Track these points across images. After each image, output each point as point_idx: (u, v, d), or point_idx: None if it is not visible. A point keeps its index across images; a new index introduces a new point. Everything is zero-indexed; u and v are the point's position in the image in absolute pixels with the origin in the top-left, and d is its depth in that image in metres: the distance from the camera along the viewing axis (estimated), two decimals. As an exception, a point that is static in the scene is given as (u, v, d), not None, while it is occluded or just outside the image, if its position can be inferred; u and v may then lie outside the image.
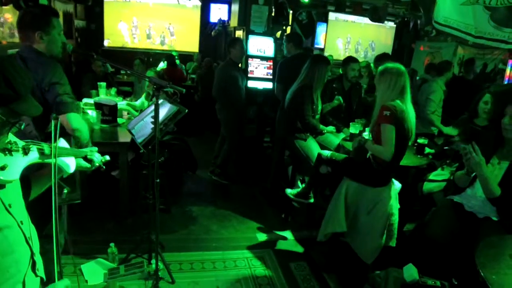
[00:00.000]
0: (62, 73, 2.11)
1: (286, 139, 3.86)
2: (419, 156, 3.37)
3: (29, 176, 1.37)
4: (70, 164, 1.44)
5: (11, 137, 1.17)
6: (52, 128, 1.22)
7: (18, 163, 1.14)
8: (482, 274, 1.63)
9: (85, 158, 1.55)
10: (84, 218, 3.54)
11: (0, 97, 1.07)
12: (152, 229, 2.75)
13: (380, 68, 2.74)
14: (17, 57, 2.08)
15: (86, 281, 2.72)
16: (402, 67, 2.69)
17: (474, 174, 2.35)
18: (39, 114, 1.18)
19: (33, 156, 1.20)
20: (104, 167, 1.64)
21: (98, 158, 1.60)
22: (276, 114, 4.36)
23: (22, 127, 1.16)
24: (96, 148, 1.62)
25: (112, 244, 2.94)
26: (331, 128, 3.98)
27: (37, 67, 2.02)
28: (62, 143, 1.46)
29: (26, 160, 1.17)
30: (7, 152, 1.12)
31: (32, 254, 1.23)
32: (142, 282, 2.74)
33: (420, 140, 3.38)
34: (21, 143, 1.17)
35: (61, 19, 6.65)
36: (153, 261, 2.66)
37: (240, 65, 4.81)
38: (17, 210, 1.21)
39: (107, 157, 1.66)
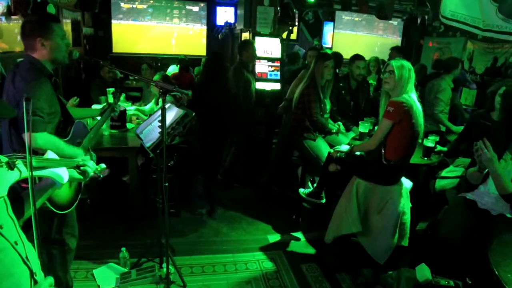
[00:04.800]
0: (40, 91, 2.02)
1: (295, 139, 3.84)
2: (426, 158, 3.27)
3: (21, 195, 1.32)
4: (63, 174, 1.37)
5: None
6: (26, 136, 1.16)
7: (4, 179, 1.08)
8: (496, 272, 1.60)
9: (79, 169, 1.49)
10: (95, 223, 3.57)
11: None
12: (162, 233, 2.76)
13: (397, 64, 2.69)
14: (12, 71, 2.06)
15: (98, 286, 2.73)
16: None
17: (486, 170, 2.31)
18: (13, 115, 1.14)
19: (22, 170, 1.13)
20: (101, 176, 1.59)
21: (92, 167, 1.53)
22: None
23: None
24: (88, 157, 1.57)
25: (123, 249, 2.96)
26: (339, 126, 3.94)
27: (19, 83, 1.99)
28: (50, 154, 1.40)
29: (14, 175, 1.11)
30: None
31: (32, 274, 1.17)
32: (154, 286, 2.75)
33: (427, 143, 3.25)
34: (4, 158, 1.10)
35: (69, 27, 6.69)
36: (164, 265, 2.67)
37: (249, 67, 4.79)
38: (9, 231, 1.14)
39: (103, 165, 1.62)
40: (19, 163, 1.12)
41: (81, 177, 1.49)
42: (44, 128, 2.02)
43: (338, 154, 2.97)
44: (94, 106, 4.34)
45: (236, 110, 4.48)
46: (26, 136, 1.69)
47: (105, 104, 2.80)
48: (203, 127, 4.15)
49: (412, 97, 2.63)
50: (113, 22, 8.85)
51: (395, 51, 5.38)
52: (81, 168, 1.49)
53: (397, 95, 2.65)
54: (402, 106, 2.56)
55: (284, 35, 6.77)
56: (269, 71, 5.45)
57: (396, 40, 10.25)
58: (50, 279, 1.17)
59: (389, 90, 2.76)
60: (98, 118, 2.59)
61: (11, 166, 1.10)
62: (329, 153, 3.13)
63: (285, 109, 4.37)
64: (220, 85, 4.31)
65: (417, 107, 2.64)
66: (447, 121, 4.47)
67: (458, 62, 4.55)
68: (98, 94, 4.96)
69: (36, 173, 1.20)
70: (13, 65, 2.10)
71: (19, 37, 2.20)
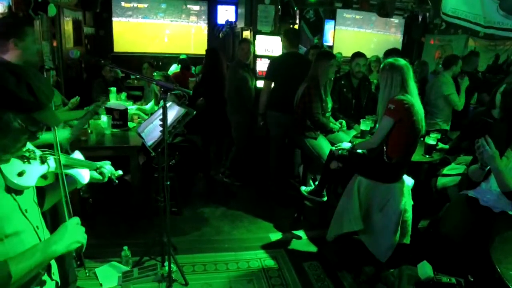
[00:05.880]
0: None
1: (296, 138, 3.84)
2: (427, 156, 3.27)
3: (43, 187, 1.40)
4: (84, 175, 1.48)
5: (29, 145, 1.20)
6: (55, 137, 1.22)
7: (35, 171, 1.18)
8: (498, 270, 1.60)
9: (97, 171, 1.59)
10: (96, 221, 3.58)
11: (22, 103, 1.07)
12: (164, 231, 2.77)
13: (382, 64, 2.77)
14: None
15: (101, 285, 2.74)
16: (400, 61, 2.66)
17: (488, 168, 2.31)
18: (58, 125, 1.20)
19: (51, 166, 1.23)
20: (116, 181, 1.67)
21: (110, 170, 1.64)
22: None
23: (41, 135, 1.18)
24: (109, 162, 1.66)
25: (125, 247, 2.97)
26: (341, 124, 3.94)
27: None
28: (77, 155, 1.51)
29: (43, 169, 1.21)
30: (25, 160, 1.16)
31: None
32: (156, 284, 2.75)
33: (428, 141, 3.25)
34: (38, 152, 1.21)
35: (70, 27, 6.72)
36: (166, 263, 2.68)
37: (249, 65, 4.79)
38: (33, 215, 1.24)
39: (120, 172, 1.71)
40: (50, 159, 1.24)
41: (100, 177, 1.60)
42: None
43: (339, 152, 2.97)
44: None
45: (233, 108, 4.50)
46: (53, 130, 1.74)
47: (90, 107, 2.85)
48: (203, 122, 4.17)
49: (409, 95, 2.62)
50: (114, 21, 8.86)
51: (386, 56, 5.34)
52: (98, 170, 1.59)
53: (384, 96, 2.66)
54: (403, 104, 2.55)
55: (285, 33, 6.76)
56: (270, 69, 5.44)
57: (397, 37, 10.24)
58: (76, 219, 1.25)
59: (380, 91, 2.77)
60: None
61: (43, 160, 1.22)
62: (330, 150, 3.12)
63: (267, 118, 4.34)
64: (214, 81, 4.38)
65: (418, 104, 2.63)
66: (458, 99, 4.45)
67: (457, 59, 4.55)
68: (100, 94, 4.97)
69: (63, 170, 1.28)
70: None
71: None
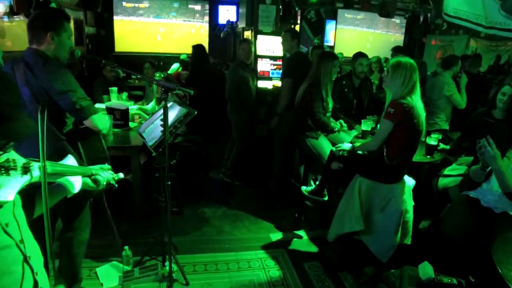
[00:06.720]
0: (71, 78, 2.10)
1: (297, 138, 3.84)
2: (428, 156, 3.27)
3: (33, 193, 1.27)
4: (75, 183, 1.37)
5: (12, 154, 1.06)
6: (41, 142, 1.08)
7: (14, 184, 1.03)
8: (499, 270, 1.59)
9: (92, 178, 1.49)
10: (97, 221, 3.57)
11: None
12: (164, 231, 2.77)
13: (393, 61, 2.69)
14: (21, 63, 2.06)
15: (101, 284, 2.75)
16: (414, 63, 2.66)
17: (489, 168, 2.30)
18: (31, 133, 1.06)
19: (35, 175, 1.09)
20: (116, 185, 1.59)
21: (106, 177, 1.54)
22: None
23: (8, 151, 1.05)
24: (109, 166, 1.58)
25: (126, 247, 2.97)
26: (341, 124, 3.95)
27: (44, 75, 2.02)
28: (71, 160, 1.41)
29: (24, 180, 1.06)
30: (3, 171, 1.00)
31: (34, 274, 1.16)
32: (157, 284, 2.76)
33: (430, 141, 3.25)
34: (21, 161, 1.06)
35: (72, 27, 6.74)
36: (167, 263, 2.68)
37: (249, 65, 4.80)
38: (15, 228, 1.13)
39: (121, 175, 1.63)
40: (34, 168, 1.09)
41: (94, 185, 1.49)
42: (93, 111, 2.14)
43: (340, 153, 2.97)
44: (97, 105, 4.36)
45: (233, 108, 4.50)
46: (88, 122, 2.03)
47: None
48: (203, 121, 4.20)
49: (413, 97, 2.61)
50: (115, 20, 8.87)
51: (394, 52, 5.37)
52: (92, 177, 1.49)
53: (395, 94, 2.64)
54: (403, 107, 2.54)
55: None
56: (271, 69, 5.46)
57: (398, 38, 10.23)
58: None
59: (386, 88, 2.76)
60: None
61: (25, 170, 1.06)
62: (331, 151, 3.12)
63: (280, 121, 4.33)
64: (202, 74, 4.45)
65: (419, 106, 2.62)
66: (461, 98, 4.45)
67: (457, 60, 4.56)
68: (101, 94, 4.97)
69: (49, 178, 1.18)
70: (21, 60, 2.09)
71: (21, 36, 2.22)
